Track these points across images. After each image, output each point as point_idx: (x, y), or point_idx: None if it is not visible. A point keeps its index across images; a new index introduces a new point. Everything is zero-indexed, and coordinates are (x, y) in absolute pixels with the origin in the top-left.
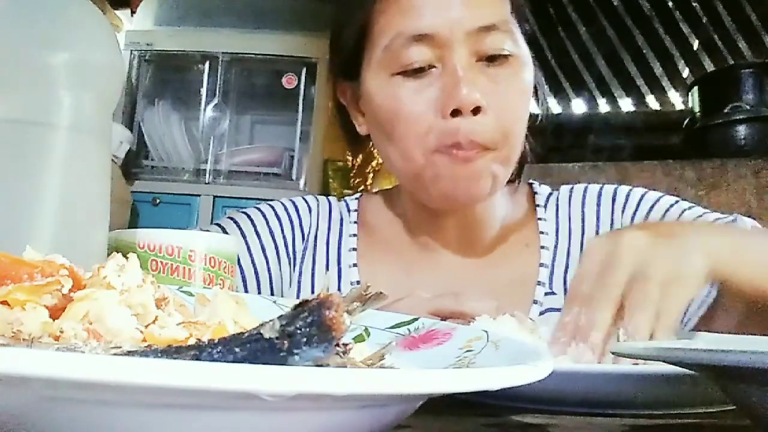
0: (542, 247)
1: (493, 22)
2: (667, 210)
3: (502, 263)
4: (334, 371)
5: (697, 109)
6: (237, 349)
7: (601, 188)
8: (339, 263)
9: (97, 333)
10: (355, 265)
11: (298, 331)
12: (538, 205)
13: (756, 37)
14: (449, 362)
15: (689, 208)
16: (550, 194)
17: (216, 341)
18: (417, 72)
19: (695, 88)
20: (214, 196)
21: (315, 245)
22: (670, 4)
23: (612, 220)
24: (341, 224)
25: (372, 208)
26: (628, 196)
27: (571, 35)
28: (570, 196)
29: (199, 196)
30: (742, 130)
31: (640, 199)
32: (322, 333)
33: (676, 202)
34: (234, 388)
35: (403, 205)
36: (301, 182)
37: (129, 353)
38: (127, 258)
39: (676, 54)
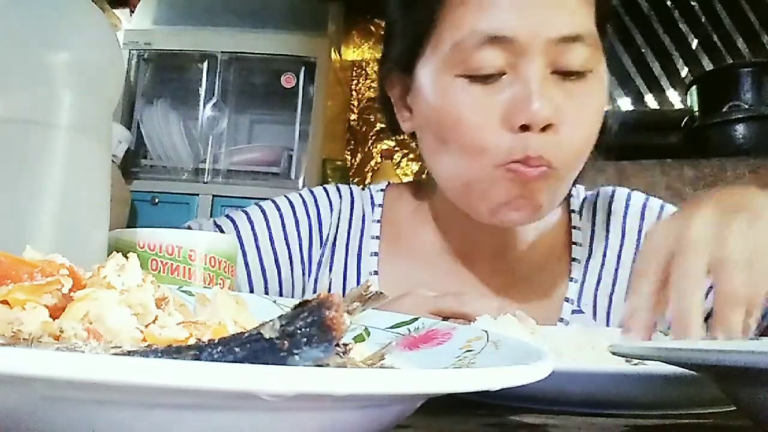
0: (573, 260)
1: (578, 32)
2: None
3: (531, 277)
4: (334, 371)
5: (695, 108)
6: (237, 349)
7: (646, 200)
8: (358, 270)
9: (97, 333)
10: (375, 272)
11: (298, 331)
12: (573, 211)
13: (755, 37)
14: (449, 362)
15: None
16: (585, 198)
17: (216, 341)
18: (485, 78)
19: (694, 87)
20: (213, 196)
21: (333, 250)
22: (669, 3)
23: (645, 226)
24: (363, 223)
25: (399, 207)
26: (666, 207)
27: None
28: (610, 203)
29: (197, 195)
30: (740, 129)
31: (672, 209)
32: (322, 333)
33: None
34: (234, 388)
35: (439, 208)
36: (300, 181)
37: (129, 353)
38: (127, 258)
39: (674, 53)
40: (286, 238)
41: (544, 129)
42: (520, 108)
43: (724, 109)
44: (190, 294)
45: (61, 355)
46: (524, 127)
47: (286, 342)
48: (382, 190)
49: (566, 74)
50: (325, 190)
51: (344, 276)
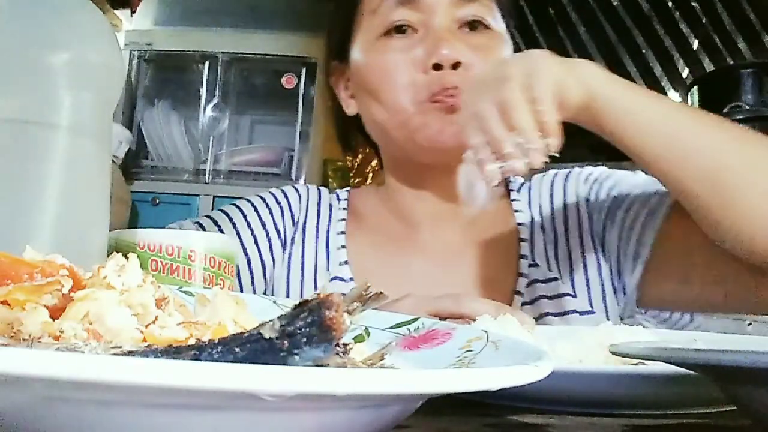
0: (520, 224)
1: None
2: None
3: (483, 241)
4: (334, 371)
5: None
6: (237, 349)
7: (570, 170)
8: (327, 245)
9: (97, 333)
10: (343, 246)
11: (298, 331)
12: (511, 190)
13: (756, 37)
14: (449, 362)
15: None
16: (523, 183)
17: (216, 341)
18: (401, 32)
19: (695, 88)
20: (214, 196)
21: (304, 229)
22: (670, 4)
23: (577, 192)
24: (330, 210)
25: (362, 198)
26: (591, 171)
27: (571, 35)
28: (541, 180)
29: (198, 196)
30: None
31: (599, 172)
32: (322, 333)
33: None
34: (234, 388)
35: (389, 183)
36: (301, 182)
37: (129, 353)
38: (127, 258)
39: (675, 54)
40: (261, 222)
41: (455, 67)
42: (431, 51)
43: (726, 110)
44: (190, 294)
45: (61, 355)
46: (437, 67)
47: (286, 342)
48: (347, 190)
49: (470, 28)
50: (294, 187)
51: (315, 252)
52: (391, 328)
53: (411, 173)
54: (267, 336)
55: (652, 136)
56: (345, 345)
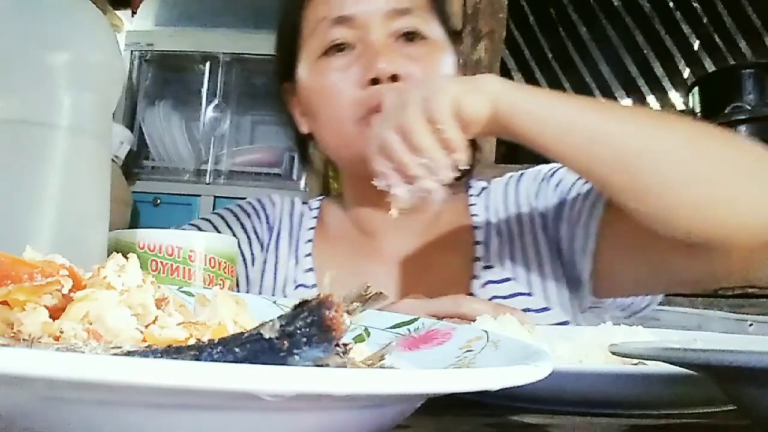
0: (475, 227)
1: (406, 6)
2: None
3: (440, 246)
4: (334, 371)
5: (698, 109)
6: (237, 349)
7: (524, 171)
8: (297, 253)
9: (97, 333)
10: (309, 254)
11: (298, 331)
12: (471, 195)
13: (756, 37)
14: (449, 362)
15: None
16: (484, 188)
17: (216, 341)
18: (339, 50)
19: (696, 89)
20: (215, 197)
21: (278, 237)
22: (671, 4)
23: (527, 192)
24: (301, 219)
25: (330, 208)
26: (540, 169)
27: (571, 35)
28: (498, 183)
29: (199, 196)
30: (743, 130)
31: (547, 169)
32: (322, 333)
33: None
34: (234, 388)
35: (346, 196)
36: (302, 182)
37: (129, 353)
38: (127, 258)
39: (676, 54)
40: (241, 225)
41: (393, 80)
42: (368, 66)
43: (727, 111)
44: (190, 294)
45: (61, 355)
46: (375, 81)
47: (286, 342)
48: (319, 200)
49: (407, 39)
50: (269, 196)
51: (287, 259)
52: (391, 328)
53: (364, 189)
54: (267, 336)
55: (560, 134)
56: (345, 345)
